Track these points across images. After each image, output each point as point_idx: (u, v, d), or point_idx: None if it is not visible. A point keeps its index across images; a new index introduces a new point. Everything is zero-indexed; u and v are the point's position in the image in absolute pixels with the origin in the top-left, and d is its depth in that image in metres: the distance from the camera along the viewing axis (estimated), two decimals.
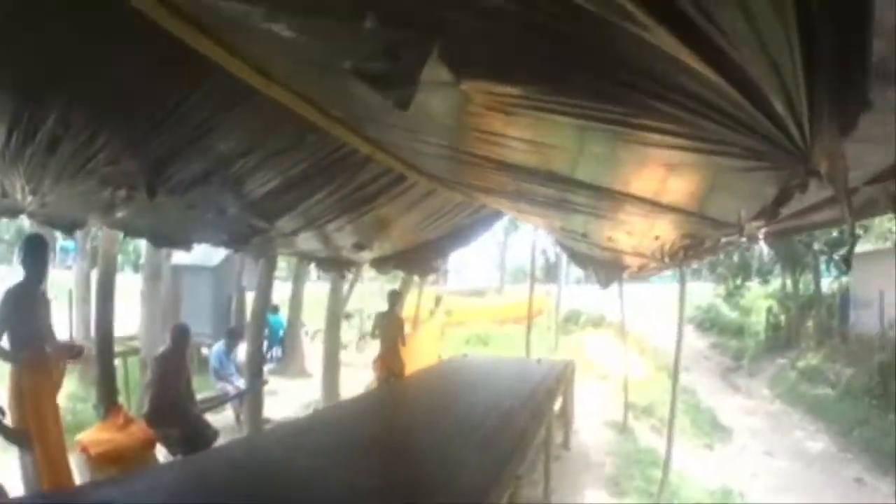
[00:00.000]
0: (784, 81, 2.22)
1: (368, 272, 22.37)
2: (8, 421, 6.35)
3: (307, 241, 10.45)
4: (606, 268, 12.94)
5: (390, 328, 13.72)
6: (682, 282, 9.92)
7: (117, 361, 10.93)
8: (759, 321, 32.81)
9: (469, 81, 3.06)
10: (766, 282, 34.94)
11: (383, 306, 14.17)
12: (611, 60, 2.57)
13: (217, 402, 13.06)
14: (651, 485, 10.94)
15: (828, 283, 30.49)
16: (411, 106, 3.03)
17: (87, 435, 8.08)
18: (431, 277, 21.24)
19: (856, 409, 18.89)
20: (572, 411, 13.22)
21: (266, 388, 12.81)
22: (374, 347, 18.35)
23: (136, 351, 17.41)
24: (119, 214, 7.53)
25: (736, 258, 33.89)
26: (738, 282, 35.42)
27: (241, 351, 13.85)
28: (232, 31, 3.84)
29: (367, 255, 12.79)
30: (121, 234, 10.27)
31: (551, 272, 34.00)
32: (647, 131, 3.07)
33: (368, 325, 25.79)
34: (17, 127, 4.91)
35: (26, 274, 6.86)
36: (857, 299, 26.90)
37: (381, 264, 14.18)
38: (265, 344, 16.30)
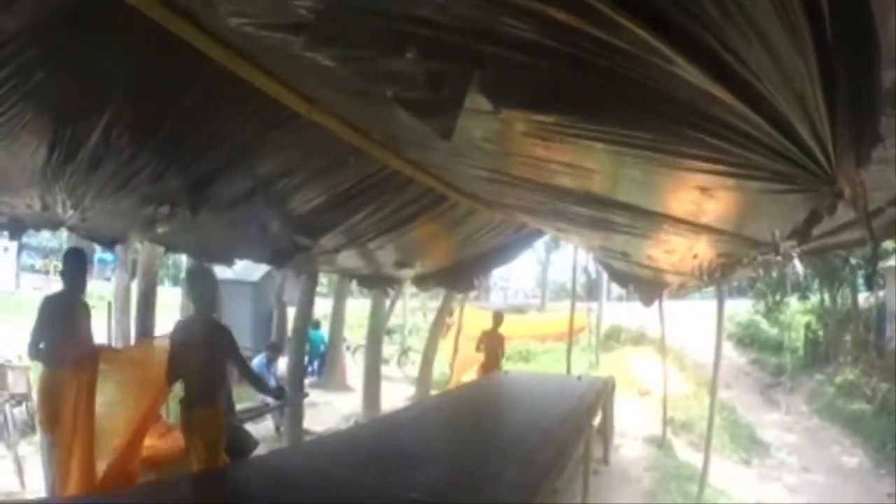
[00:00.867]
0: (808, 111, 2.33)
1: (409, 288, 22.50)
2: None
3: (349, 258, 10.54)
4: (647, 285, 12.93)
5: (492, 344, 15.58)
6: (721, 299, 9.93)
7: None
8: (797, 337, 32.56)
9: (507, 110, 3.17)
10: (804, 297, 34.62)
11: (423, 322, 14.63)
12: (642, 90, 2.66)
13: (257, 413, 13.17)
14: (688, 499, 10.90)
15: (864, 298, 30.27)
16: (457, 133, 3.14)
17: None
18: (473, 294, 21.27)
19: (890, 423, 18.73)
20: (612, 427, 13.17)
21: (307, 401, 12.93)
22: (415, 362, 18.57)
23: None
24: (160, 230, 7.62)
25: (774, 275, 33.70)
26: (777, 298, 35.07)
27: (282, 365, 14.03)
28: (274, 58, 3.95)
29: (408, 273, 12.87)
30: (162, 249, 10.36)
31: (592, 289, 33.87)
32: (679, 157, 3.17)
33: (410, 341, 26.08)
34: (60, 144, 5.07)
35: (65, 285, 7.11)
36: (894, 313, 26.66)
37: (421, 282, 14.27)
38: (306, 358, 16.51)
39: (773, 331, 34.88)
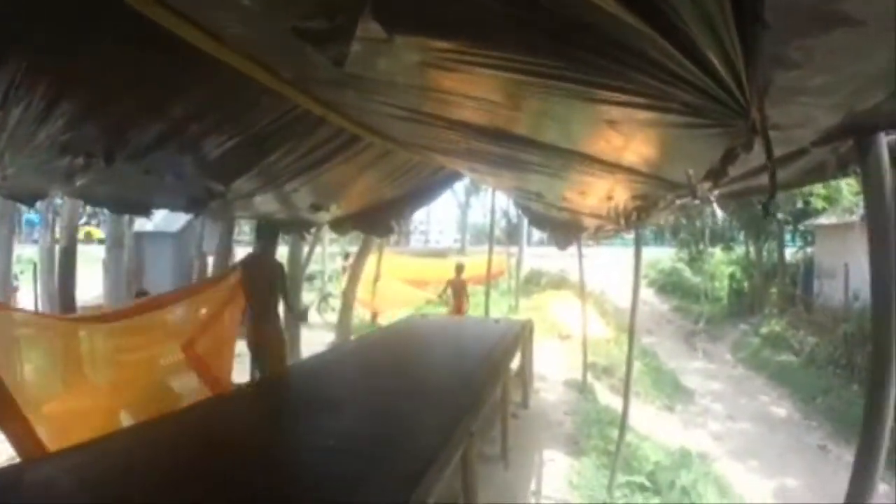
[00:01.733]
0: (719, 35, 2.19)
1: (329, 234, 22.30)
2: None
3: (264, 202, 10.39)
4: (564, 229, 12.95)
5: (457, 290, 18.36)
6: (638, 243, 9.91)
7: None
8: (721, 287, 33.47)
9: (402, 36, 3.04)
10: (729, 248, 35.42)
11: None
12: (544, 14, 2.53)
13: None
14: (609, 444, 11.05)
15: (791, 253, 30.94)
16: (358, 65, 3.04)
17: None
18: (393, 239, 21.32)
19: (819, 377, 19.25)
20: (531, 370, 13.27)
21: None
22: (335, 308, 18.68)
23: None
24: (79, 183, 7.47)
25: (698, 223, 34.16)
26: (701, 247, 35.59)
27: None
28: None
29: (324, 216, 12.74)
30: (82, 204, 10.19)
31: (513, 234, 34.11)
32: (586, 86, 3.04)
33: (329, 287, 26.05)
34: None
35: None
36: (822, 270, 27.45)
37: (338, 225, 14.16)
38: None
39: (696, 279, 35.76)
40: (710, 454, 13.52)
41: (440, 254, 39.35)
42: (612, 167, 4.99)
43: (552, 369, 16.52)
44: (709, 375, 22.18)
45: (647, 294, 34.78)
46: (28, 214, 37.94)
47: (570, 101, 3.38)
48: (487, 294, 20.15)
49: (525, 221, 27.75)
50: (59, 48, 4.42)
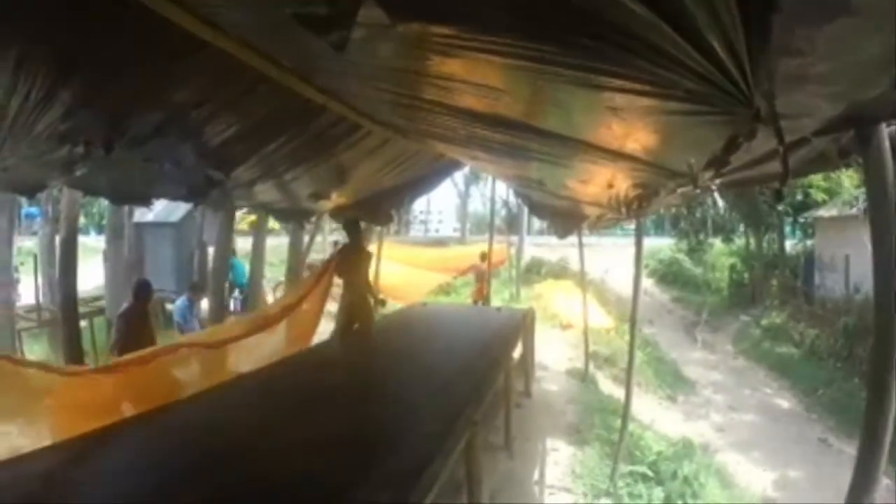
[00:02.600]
0: (723, 23, 2.18)
1: (331, 223, 22.27)
2: None
3: (265, 192, 10.40)
4: (565, 217, 12.90)
5: (480, 276, 20.35)
6: (639, 232, 9.90)
7: (84, 323, 10.90)
8: (722, 277, 33.49)
9: (404, 23, 3.03)
10: (729, 240, 35.35)
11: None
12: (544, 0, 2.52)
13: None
14: (612, 433, 11.06)
15: (791, 245, 30.96)
16: (359, 51, 3.03)
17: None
18: (393, 228, 21.42)
19: (821, 369, 19.32)
20: (533, 359, 13.26)
21: None
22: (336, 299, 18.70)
23: (102, 311, 17.50)
24: (78, 173, 7.42)
25: (698, 214, 34.14)
26: (701, 237, 35.53)
27: (205, 305, 13.96)
28: None
29: (324, 205, 12.73)
30: (82, 196, 10.17)
31: (513, 223, 34.07)
32: (587, 72, 3.02)
33: None
34: None
35: None
36: (823, 262, 27.51)
37: (338, 213, 14.11)
38: (230, 286, 16.73)
39: (697, 270, 35.68)
40: (712, 445, 13.54)
41: (441, 243, 39.29)
42: (614, 155, 5.00)
43: (554, 358, 16.52)
44: (710, 366, 22.21)
45: (648, 284, 34.40)
46: (28, 208, 38.02)
47: (572, 87, 3.36)
48: (489, 283, 20.12)
49: (525, 211, 27.78)
50: (56, 37, 4.41)
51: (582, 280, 18.05)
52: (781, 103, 2.73)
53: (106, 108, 5.90)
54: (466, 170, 30.97)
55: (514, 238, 30.68)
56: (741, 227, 34.15)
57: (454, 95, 4.58)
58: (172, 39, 4.60)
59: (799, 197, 27.42)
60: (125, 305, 9.90)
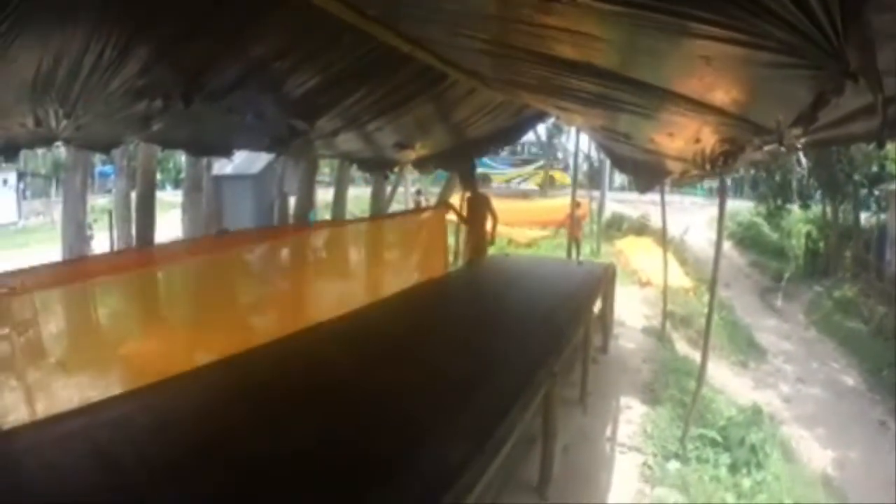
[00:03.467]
0: None
1: (412, 174, 22.34)
2: None
3: (347, 141, 10.49)
4: (648, 172, 12.78)
5: (576, 223, 20.74)
6: (722, 191, 9.84)
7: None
8: (798, 245, 32.87)
9: None
10: (806, 206, 34.53)
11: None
12: None
13: None
14: (685, 395, 11.23)
15: (865, 218, 30.42)
16: None
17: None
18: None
19: (887, 349, 19.11)
20: (612, 315, 13.31)
21: None
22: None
23: None
24: (155, 128, 7.59)
25: (777, 178, 33.57)
26: (779, 202, 34.90)
27: None
28: None
29: (408, 155, 12.86)
30: (159, 150, 10.29)
31: (595, 178, 33.81)
32: (677, 17, 3.01)
33: None
34: (47, 53, 4.97)
35: None
36: (894, 237, 26.86)
37: (422, 164, 14.24)
38: None
39: (774, 235, 35.14)
40: (777, 416, 13.50)
41: (524, 196, 39.07)
42: (703, 107, 4.99)
43: (631, 316, 16.61)
44: (782, 335, 22.04)
45: (726, 247, 33.40)
46: (101, 167, 38.72)
47: (667, 35, 3.37)
48: (570, 236, 20.04)
49: (607, 165, 27.63)
50: None
51: (663, 238, 17.87)
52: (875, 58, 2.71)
53: (185, 63, 6.08)
54: (550, 122, 30.81)
55: (595, 193, 30.49)
56: (817, 194, 33.55)
57: (547, 43, 4.58)
58: None
59: (874, 168, 27.00)
60: None
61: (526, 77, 6.31)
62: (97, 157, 23.15)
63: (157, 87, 6.42)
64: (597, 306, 11.31)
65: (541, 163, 46.70)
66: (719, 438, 9.88)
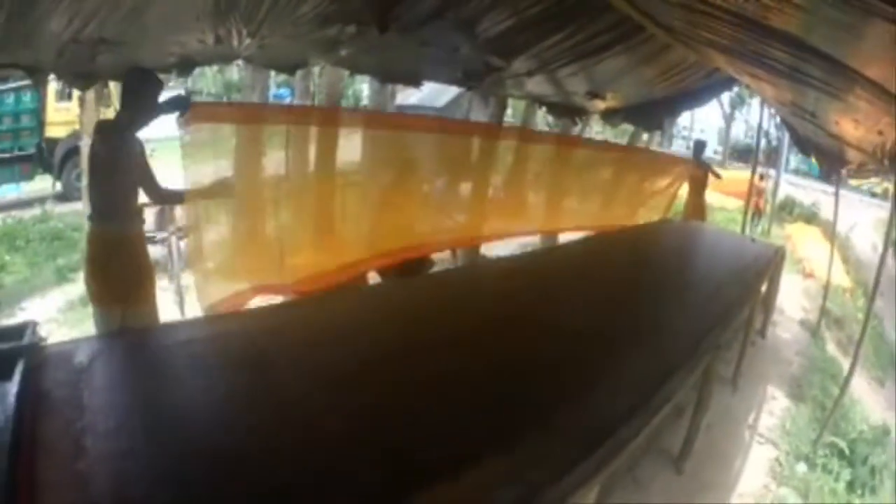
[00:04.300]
0: None
1: (595, 126, 22.28)
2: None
3: (539, 84, 10.54)
4: (827, 157, 12.43)
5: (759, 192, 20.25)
6: None
7: None
8: None
9: None
10: None
11: None
12: None
13: None
14: (826, 397, 11.00)
15: None
16: None
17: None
18: (656, 140, 21.35)
19: None
20: (775, 299, 13.20)
21: None
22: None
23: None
24: (344, 52, 7.67)
25: None
26: None
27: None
28: None
29: (598, 105, 12.84)
30: (344, 74, 10.49)
31: (772, 155, 33.12)
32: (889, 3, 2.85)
33: None
34: None
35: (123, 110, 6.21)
36: None
37: (610, 116, 14.21)
38: None
39: None
40: None
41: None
42: (891, 98, 4.77)
43: (791, 305, 16.33)
44: None
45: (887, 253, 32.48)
46: (276, 90, 39.52)
47: (867, 14, 3.31)
48: (746, 212, 19.99)
49: (785, 144, 27.03)
50: None
51: (833, 233, 17.48)
52: None
53: None
54: (734, 92, 30.36)
55: (771, 171, 29.87)
56: None
57: (747, 5, 4.52)
58: None
59: None
60: None
61: (722, 38, 6.22)
62: (273, 80, 23.66)
63: (350, 12, 6.60)
64: (763, 287, 11.19)
65: None
66: (847, 451, 9.66)
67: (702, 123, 59.53)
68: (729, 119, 51.26)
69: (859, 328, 10.31)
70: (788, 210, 30.58)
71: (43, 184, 20.14)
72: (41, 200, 18.66)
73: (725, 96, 42.48)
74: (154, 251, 9.00)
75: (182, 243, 10.86)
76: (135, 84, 5.97)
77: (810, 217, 29.72)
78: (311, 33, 7.03)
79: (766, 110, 19.13)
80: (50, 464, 3.12)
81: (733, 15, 4.99)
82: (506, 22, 7.58)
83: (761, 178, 20.39)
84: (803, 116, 8.81)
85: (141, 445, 3.35)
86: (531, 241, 16.76)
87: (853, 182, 26.63)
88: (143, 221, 6.39)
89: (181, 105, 6.26)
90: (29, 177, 19.86)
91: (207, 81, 47.28)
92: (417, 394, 4.28)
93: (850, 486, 9.17)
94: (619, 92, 12.32)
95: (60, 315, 11.11)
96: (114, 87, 11.48)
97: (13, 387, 3.51)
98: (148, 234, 7.78)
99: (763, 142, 33.21)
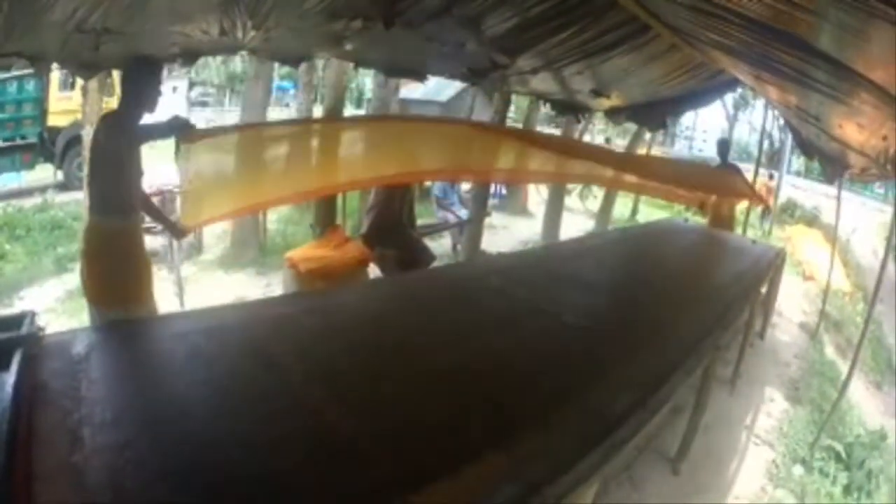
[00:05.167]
0: None
1: (596, 125, 22.27)
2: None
3: (543, 81, 10.58)
4: (830, 161, 12.46)
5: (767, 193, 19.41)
6: None
7: None
8: None
9: None
10: None
11: None
12: None
13: (436, 229, 13.55)
14: (824, 400, 11.10)
15: None
16: None
17: (298, 252, 8.70)
18: (658, 139, 21.38)
19: None
20: (774, 301, 13.34)
21: (486, 223, 13.25)
22: (597, 197, 18.96)
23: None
24: (349, 46, 7.70)
25: None
26: None
27: (465, 185, 14.37)
28: None
29: (602, 103, 12.90)
30: (348, 67, 10.53)
31: (774, 157, 33.25)
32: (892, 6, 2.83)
33: None
34: None
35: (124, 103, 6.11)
36: None
37: (614, 114, 14.26)
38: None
39: None
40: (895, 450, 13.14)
41: (705, 162, 38.90)
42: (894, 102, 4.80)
43: (790, 308, 16.44)
44: None
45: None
46: (279, 82, 39.69)
47: (872, 17, 3.30)
48: (748, 213, 19.65)
49: (788, 147, 27.11)
50: None
51: (834, 237, 17.51)
52: None
53: None
54: (737, 94, 30.50)
55: (774, 173, 29.91)
56: None
57: (754, 6, 4.49)
58: None
59: None
60: None
61: (728, 39, 6.23)
62: (276, 72, 23.70)
63: (357, 7, 6.61)
64: (763, 288, 11.23)
65: None
66: (844, 455, 9.68)
67: (705, 124, 59.77)
68: (732, 120, 51.36)
69: (858, 332, 10.37)
70: (790, 212, 30.74)
71: (44, 173, 20.29)
72: (42, 189, 18.78)
73: (729, 97, 42.60)
74: (153, 242, 9.03)
75: None
76: (137, 74, 6.04)
77: (811, 220, 29.70)
78: (317, 27, 7.01)
79: (769, 112, 19.18)
80: (47, 454, 3.11)
81: (740, 16, 4.98)
82: (511, 19, 7.60)
83: (771, 177, 20.45)
84: (807, 119, 8.81)
85: (139, 436, 3.35)
86: (532, 238, 16.88)
87: (856, 184, 26.75)
88: (141, 215, 6.38)
89: (179, 127, 6.27)
90: (30, 166, 19.96)
91: (211, 72, 47.46)
92: (414, 388, 4.30)
93: (847, 489, 9.19)
94: (623, 91, 12.31)
95: (59, 305, 11.19)
96: (117, 77, 11.48)
97: (11, 377, 3.49)
98: (148, 225, 7.83)
99: (765, 144, 33.38)
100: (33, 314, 4.37)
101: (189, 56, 7.30)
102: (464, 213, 14.14)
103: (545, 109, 15.24)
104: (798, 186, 34.61)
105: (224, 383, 4.08)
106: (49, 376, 3.87)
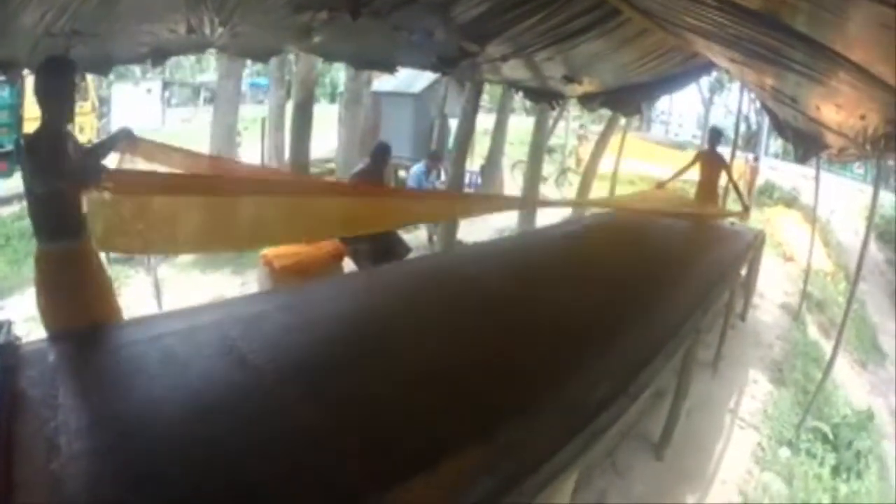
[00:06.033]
0: None
1: (572, 111, 22.28)
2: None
3: (515, 68, 10.54)
4: (807, 142, 12.42)
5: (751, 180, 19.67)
6: (878, 175, 9.65)
7: None
8: None
9: None
10: None
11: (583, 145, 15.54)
12: None
13: None
14: (809, 381, 11.12)
15: None
16: None
17: (272, 249, 8.60)
18: (634, 124, 21.37)
19: None
20: (755, 283, 13.33)
21: None
22: (573, 183, 18.91)
23: (331, 172, 18.28)
24: (317, 39, 7.66)
25: None
26: None
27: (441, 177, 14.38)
28: None
29: (575, 89, 12.85)
30: (317, 62, 10.52)
31: (751, 140, 33.38)
32: None
33: (569, 161, 26.42)
34: None
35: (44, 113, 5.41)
36: None
37: (588, 100, 14.24)
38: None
39: None
40: (883, 428, 13.12)
41: (680, 146, 38.76)
42: (873, 81, 4.77)
43: (771, 289, 16.41)
44: None
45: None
46: (253, 79, 39.69)
47: None
48: (725, 196, 19.67)
49: (765, 129, 27.19)
50: None
51: (813, 217, 17.47)
52: None
53: None
54: (712, 77, 30.62)
55: (750, 156, 30.01)
56: None
57: None
58: None
59: None
60: (360, 166, 10.21)
61: (702, 21, 6.19)
62: (247, 70, 23.74)
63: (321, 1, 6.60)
64: (743, 271, 11.27)
65: None
66: (831, 436, 9.68)
67: (680, 107, 59.84)
68: (708, 104, 51.53)
69: (840, 311, 10.36)
70: (769, 194, 30.75)
71: (21, 181, 20.13)
72: (20, 197, 18.60)
73: (704, 81, 42.72)
74: None
75: None
76: (51, 75, 5.43)
77: (790, 201, 29.81)
78: (283, 20, 6.99)
79: (745, 95, 19.24)
80: (26, 462, 3.08)
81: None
82: (480, 5, 7.55)
83: (755, 158, 20.62)
84: (783, 101, 8.81)
85: (116, 443, 3.32)
86: (508, 226, 16.86)
87: (835, 165, 26.84)
88: (89, 233, 6.00)
89: (123, 138, 6.06)
90: (7, 174, 19.74)
91: (185, 72, 47.41)
92: (391, 382, 4.26)
93: (835, 470, 9.22)
94: (596, 76, 12.23)
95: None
96: (91, 80, 11.41)
97: None
98: None
99: (743, 127, 33.47)
100: (9, 323, 4.34)
101: (159, 56, 7.27)
102: None
103: (518, 97, 15.23)
104: (776, 168, 34.62)
105: (200, 384, 4.05)
106: (27, 384, 3.82)
